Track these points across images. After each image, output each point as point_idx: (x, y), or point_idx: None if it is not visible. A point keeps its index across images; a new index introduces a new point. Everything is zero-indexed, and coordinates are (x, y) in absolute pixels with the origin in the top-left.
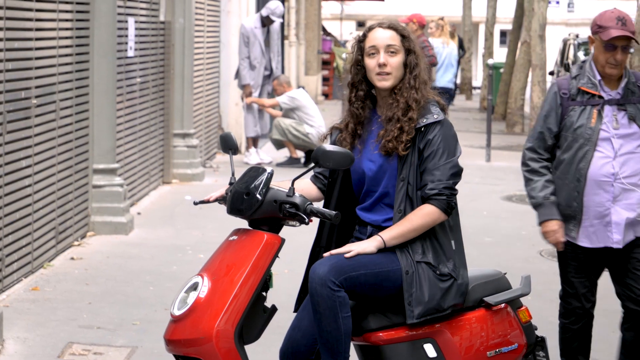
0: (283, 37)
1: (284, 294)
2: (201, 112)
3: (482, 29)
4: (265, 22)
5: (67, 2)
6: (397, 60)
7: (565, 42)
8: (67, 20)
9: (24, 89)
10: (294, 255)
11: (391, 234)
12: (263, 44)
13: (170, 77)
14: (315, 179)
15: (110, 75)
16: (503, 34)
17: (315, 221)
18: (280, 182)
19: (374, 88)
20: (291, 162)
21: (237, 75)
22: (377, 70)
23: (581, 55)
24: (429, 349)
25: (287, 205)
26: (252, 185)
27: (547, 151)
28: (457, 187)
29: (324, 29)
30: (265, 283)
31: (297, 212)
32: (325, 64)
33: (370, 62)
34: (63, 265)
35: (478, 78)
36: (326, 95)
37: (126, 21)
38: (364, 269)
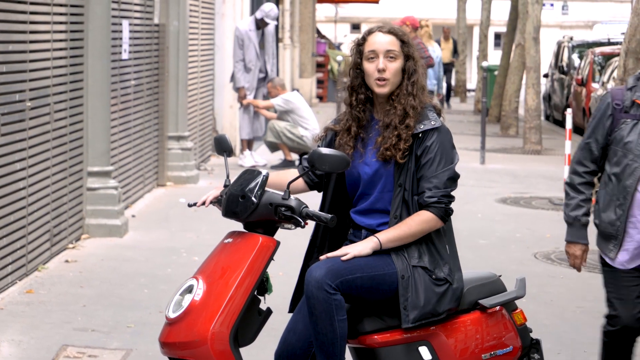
0: (277, 40)
1: (278, 296)
2: (195, 114)
3: (476, 31)
4: (260, 24)
5: (61, 5)
6: (395, 65)
7: (559, 45)
8: (61, 22)
9: (18, 92)
10: (288, 258)
11: (388, 236)
12: (258, 46)
13: (165, 79)
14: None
15: (104, 77)
16: (497, 36)
17: (311, 223)
18: (279, 173)
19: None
20: (285, 164)
21: (233, 78)
22: (376, 76)
23: (575, 57)
24: (424, 352)
25: (283, 209)
26: (248, 188)
27: (594, 162)
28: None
29: (318, 32)
30: (262, 286)
31: (292, 215)
32: (320, 66)
33: (369, 67)
34: (57, 268)
35: (472, 80)
36: (320, 98)
37: (120, 24)
38: (360, 272)
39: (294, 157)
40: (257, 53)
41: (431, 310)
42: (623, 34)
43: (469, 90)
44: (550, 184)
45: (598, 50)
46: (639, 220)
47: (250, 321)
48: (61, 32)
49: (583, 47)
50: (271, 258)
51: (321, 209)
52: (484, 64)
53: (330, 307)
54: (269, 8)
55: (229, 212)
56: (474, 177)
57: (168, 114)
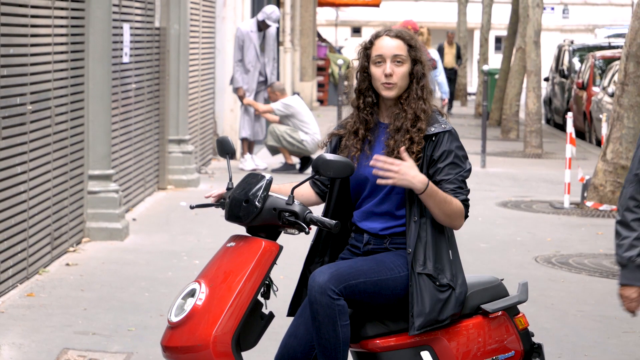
0: (278, 43)
1: (279, 300)
2: (196, 118)
3: (477, 35)
4: (261, 26)
5: (62, 8)
6: (403, 70)
7: (560, 49)
8: (62, 26)
9: (19, 95)
10: (289, 262)
11: (435, 189)
12: (258, 48)
13: (166, 83)
14: (313, 184)
15: (105, 81)
16: (498, 40)
17: (313, 228)
18: (281, 186)
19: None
20: (286, 168)
21: (232, 80)
22: (383, 80)
23: (576, 61)
24: (426, 356)
25: (287, 214)
26: (251, 192)
27: None
28: None
29: (319, 35)
30: (265, 290)
31: (296, 221)
32: (321, 70)
33: (376, 71)
34: (58, 271)
35: (473, 84)
36: (321, 102)
37: (121, 27)
38: (363, 277)
39: (295, 160)
40: (257, 54)
41: (436, 317)
42: (618, 35)
43: (470, 94)
44: (550, 187)
45: (599, 54)
46: None
47: (252, 325)
48: (62, 35)
49: (584, 51)
50: (274, 262)
51: (324, 215)
52: (485, 67)
53: (333, 312)
54: (270, 10)
55: (232, 216)
56: (475, 181)
57: (169, 117)
